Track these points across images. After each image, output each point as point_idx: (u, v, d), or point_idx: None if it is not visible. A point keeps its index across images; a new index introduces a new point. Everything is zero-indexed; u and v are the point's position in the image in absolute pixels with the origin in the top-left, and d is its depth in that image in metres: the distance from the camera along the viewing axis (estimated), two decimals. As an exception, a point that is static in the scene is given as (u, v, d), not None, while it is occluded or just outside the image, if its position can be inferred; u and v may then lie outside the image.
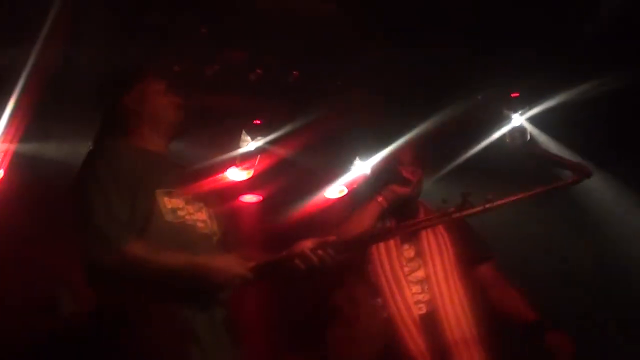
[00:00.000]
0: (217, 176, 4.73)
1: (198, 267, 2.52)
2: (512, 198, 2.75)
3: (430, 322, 3.12)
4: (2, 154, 4.06)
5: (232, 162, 4.82)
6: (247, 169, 4.87)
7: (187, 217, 2.68)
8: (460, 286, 3.20)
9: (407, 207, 3.29)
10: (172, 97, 2.81)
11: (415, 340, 3.08)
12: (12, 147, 4.05)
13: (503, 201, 2.73)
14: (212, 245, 2.73)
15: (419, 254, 3.24)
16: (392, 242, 3.21)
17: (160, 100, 2.80)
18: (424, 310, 3.15)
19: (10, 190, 4.26)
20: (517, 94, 4.05)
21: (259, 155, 4.74)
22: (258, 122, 4.71)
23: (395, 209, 3.25)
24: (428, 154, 3.33)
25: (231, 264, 2.54)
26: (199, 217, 2.73)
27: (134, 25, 3.64)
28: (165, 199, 2.66)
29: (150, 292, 2.47)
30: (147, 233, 2.56)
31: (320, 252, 2.58)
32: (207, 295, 2.57)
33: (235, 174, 4.85)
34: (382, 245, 3.20)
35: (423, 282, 3.20)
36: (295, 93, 4.36)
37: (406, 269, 3.21)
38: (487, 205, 2.71)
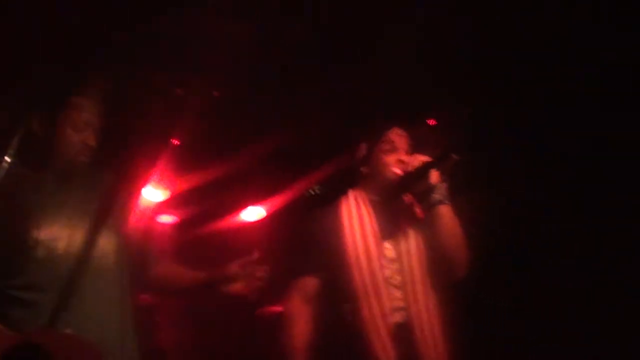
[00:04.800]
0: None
1: None
2: None
3: (405, 333, 2.90)
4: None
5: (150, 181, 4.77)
6: (164, 189, 4.83)
7: (61, 245, 2.54)
8: (433, 293, 2.99)
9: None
10: (79, 132, 2.66)
11: (387, 352, 2.85)
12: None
13: None
14: (101, 268, 2.58)
15: (400, 254, 3.02)
16: (372, 240, 2.99)
17: (66, 133, 2.65)
18: (399, 319, 2.92)
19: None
20: (435, 121, 4.15)
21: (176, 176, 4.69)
22: (176, 142, 4.69)
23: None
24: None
25: None
26: (84, 240, 2.58)
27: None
28: (34, 231, 2.51)
29: None
30: (22, 273, 2.46)
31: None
32: None
33: (152, 194, 4.80)
34: (360, 243, 2.98)
35: (401, 287, 2.96)
36: (216, 113, 4.36)
37: (387, 271, 2.97)
38: None
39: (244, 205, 4.99)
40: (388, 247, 3.02)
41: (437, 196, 3.00)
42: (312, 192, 3.80)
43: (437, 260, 3.01)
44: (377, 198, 3.09)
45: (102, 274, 2.61)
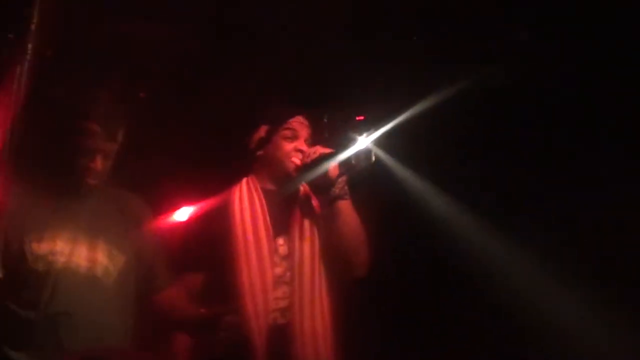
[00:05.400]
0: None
1: None
2: None
3: (284, 335, 2.86)
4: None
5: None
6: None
7: (61, 260, 2.58)
8: (324, 294, 2.93)
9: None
10: (86, 157, 2.72)
11: (268, 353, 2.81)
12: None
13: None
14: (101, 287, 2.66)
15: (292, 251, 2.94)
16: (264, 235, 2.92)
17: (74, 158, 2.74)
18: (289, 318, 2.88)
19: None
20: (363, 117, 4.10)
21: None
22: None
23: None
24: None
25: None
26: (86, 256, 2.65)
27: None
28: (34, 244, 2.57)
29: None
30: (16, 284, 2.53)
31: None
32: None
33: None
34: (251, 237, 2.90)
35: (293, 284, 2.90)
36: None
37: (278, 270, 2.91)
38: None
39: (177, 206, 4.90)
40: (281, 243, 2.95)
41: (336, 190, 2.94)
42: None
43: (334, 258, 2.98)
44: (272, 187, 3.01)
45: (101, 291, 2.68)
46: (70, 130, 2.71)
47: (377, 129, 4.11)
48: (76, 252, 2.68)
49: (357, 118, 4.36)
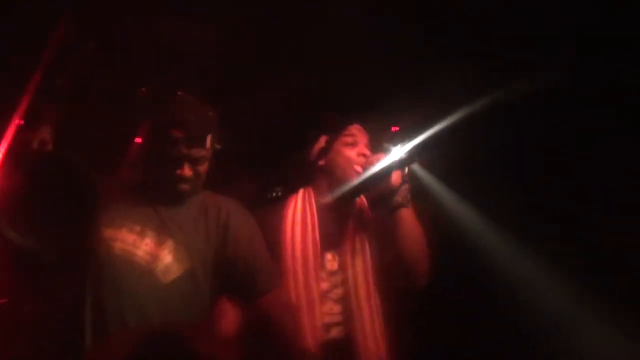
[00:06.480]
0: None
1: None
2: None
3: (342, 349, 2.84)
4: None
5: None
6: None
7: (120, 247, 2.66)
8: (379, 306, 2.91)
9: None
10: (176, 165, 2.75)
11: None
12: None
13: None
14: (156, 283, 2.68)
15: (343, 266, 2.92)
16: (310, 250, 2.89)
17: (164, 166, 2.77)
18: (336, 334, 2.86)
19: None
20: (398, 128, 4.12)
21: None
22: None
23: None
24: None
25: None
26: (149, 251, 2.69)
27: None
28: (102, 227, 2.67)
29: None
30: (78, 262, 2.61)
31: None
32: None
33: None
34: (299, 253, 2.88)
35: (342, 300, 2.88)
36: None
37: (325, 285, 2.90)
38: None
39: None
40: (330, 259, 2.92)
41: (398, 199, 2.91)
42: (274, 194, 3.73)
43: (394, 269, 2.93)
44: (328, 199, 2.98)
45: (155, 287, 2.70)
46: (156, 137, 2.74)
47: (411, 139, 4.16)
48: (139, 244, 2.72)
49: (392, 129, 4.41)
